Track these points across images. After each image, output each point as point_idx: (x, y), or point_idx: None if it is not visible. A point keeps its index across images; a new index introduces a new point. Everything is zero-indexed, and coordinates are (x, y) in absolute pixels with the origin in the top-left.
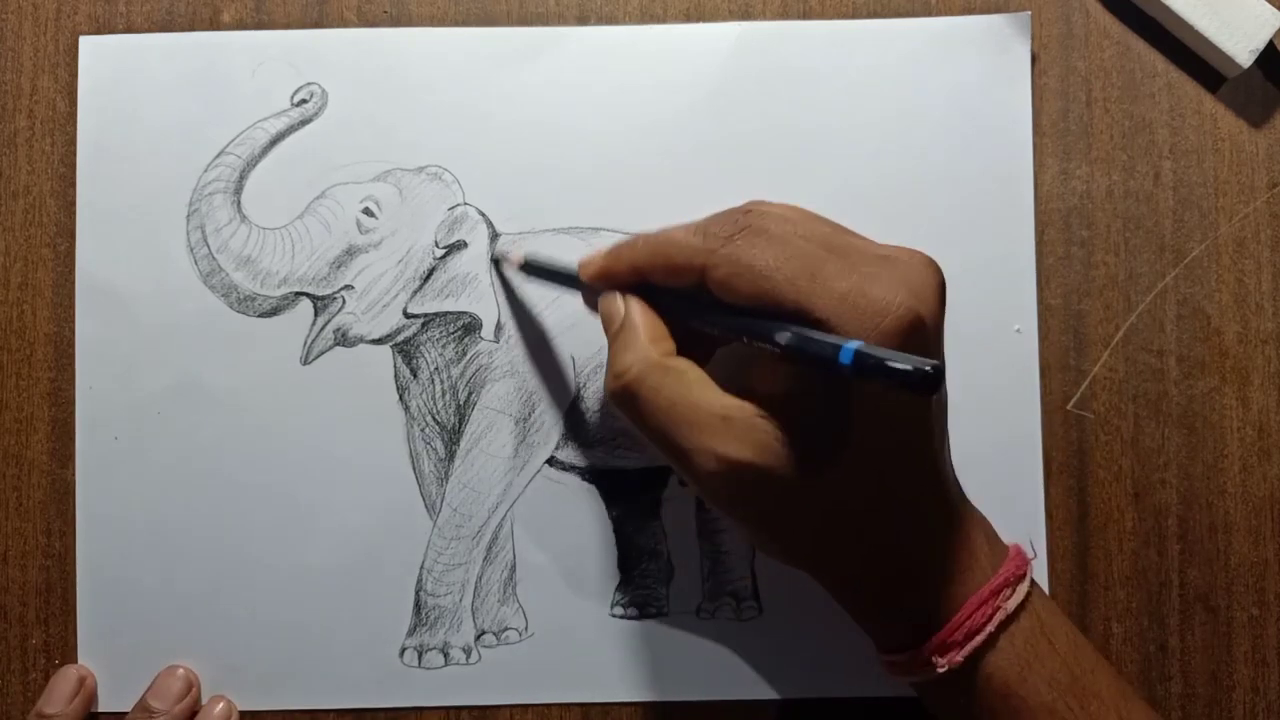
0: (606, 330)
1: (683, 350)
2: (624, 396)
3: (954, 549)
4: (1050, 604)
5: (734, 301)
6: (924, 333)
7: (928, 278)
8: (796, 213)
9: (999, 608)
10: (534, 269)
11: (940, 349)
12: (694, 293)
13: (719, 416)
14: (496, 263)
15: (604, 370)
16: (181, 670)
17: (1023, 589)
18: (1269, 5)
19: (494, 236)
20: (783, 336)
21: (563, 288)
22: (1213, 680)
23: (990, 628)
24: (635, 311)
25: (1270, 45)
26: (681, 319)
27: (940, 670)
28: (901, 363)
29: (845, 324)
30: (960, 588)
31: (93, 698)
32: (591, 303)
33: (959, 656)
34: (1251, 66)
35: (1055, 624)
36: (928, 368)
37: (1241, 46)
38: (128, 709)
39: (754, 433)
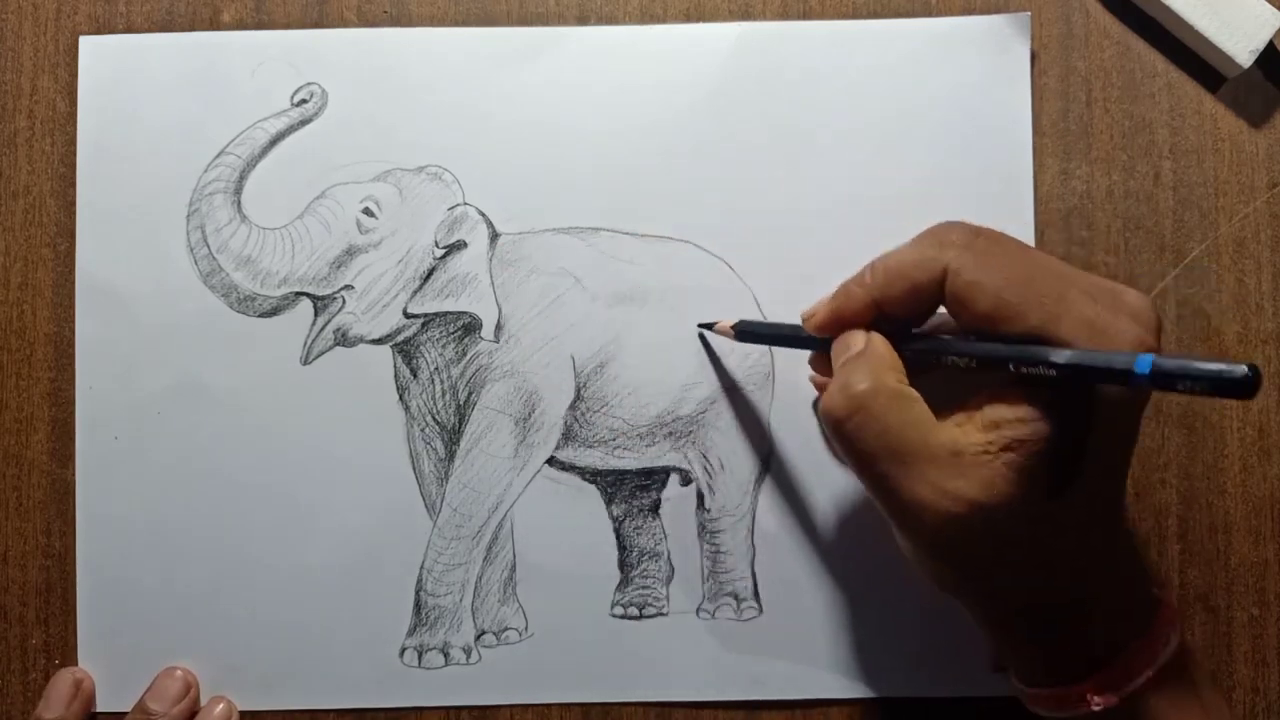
0: (839, 355)
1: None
2: (846, 413)
3: (1124, 585)
4: (1193, 654)
5: (970, 315)
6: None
7: (1154, 316)
8: (1009, 236)
9: (1160, 652)
10: (750, 333)
11: None
12: (922, 329)
13: (949, 450)
14: (703, 333)
15: (605, 370)
16: (180, 671)
17: (1176, 637)
18: (1269, 5)
19: (494, 236)
20: (1061, 355)
21: (787, 345)
22: (1213, 680)
23: (1150, 671)
24: (877, 343)
25: (1270, 45)
26: (920, 358)
27: (1095, 709)
28: (1214, 364)
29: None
30: (1125, 624)
31: (91, 700)
32: (822, 364)
33: (1117, 697)
34: (1251, 66)
35: (1200, 676)
36: (1246, 367)
37: (1241, 46)
38: (128, 709)
39: (984, 470)
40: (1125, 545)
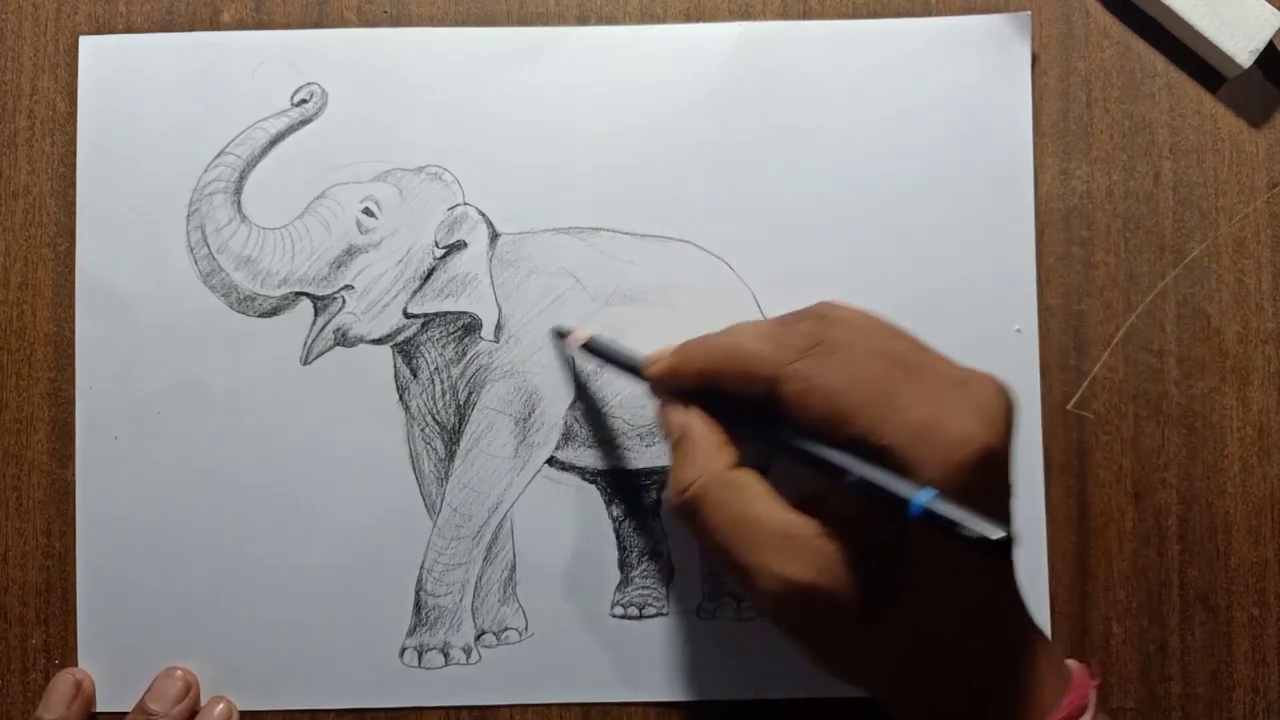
0: (667, 439)
1: (745, 453)
2: (686, 512)
3: (1021, 677)
4: None
5: (803, 418)
6: (997, 465)
7: (999, 405)
8: (870, 322)
9: None
10: (596, 350)
11: (1009, 477)
12: (761, 402)
13: (781, 535)
14: (557, 336)
15: (605, 370)
16: (180, 671)
17: (1086, 718)
18: (1269, 5)
19: (493, 236)
20: (850, 478)
21: (624, 373)
22: (1213, 680)
23: None
24: (696, 424)
25: (1270, 45)
26: (747, 431)
27: None
28: (972, 526)
29: (917, 455)
30: (1027, 716)
31: (91, 701)
32: (658, 395)
33: None
34: (1251, 66)
35: None
36: (998, 536)
37: (1241, 46)
38: (128, 709)
39: (816, 553)
40: (1013, 640)
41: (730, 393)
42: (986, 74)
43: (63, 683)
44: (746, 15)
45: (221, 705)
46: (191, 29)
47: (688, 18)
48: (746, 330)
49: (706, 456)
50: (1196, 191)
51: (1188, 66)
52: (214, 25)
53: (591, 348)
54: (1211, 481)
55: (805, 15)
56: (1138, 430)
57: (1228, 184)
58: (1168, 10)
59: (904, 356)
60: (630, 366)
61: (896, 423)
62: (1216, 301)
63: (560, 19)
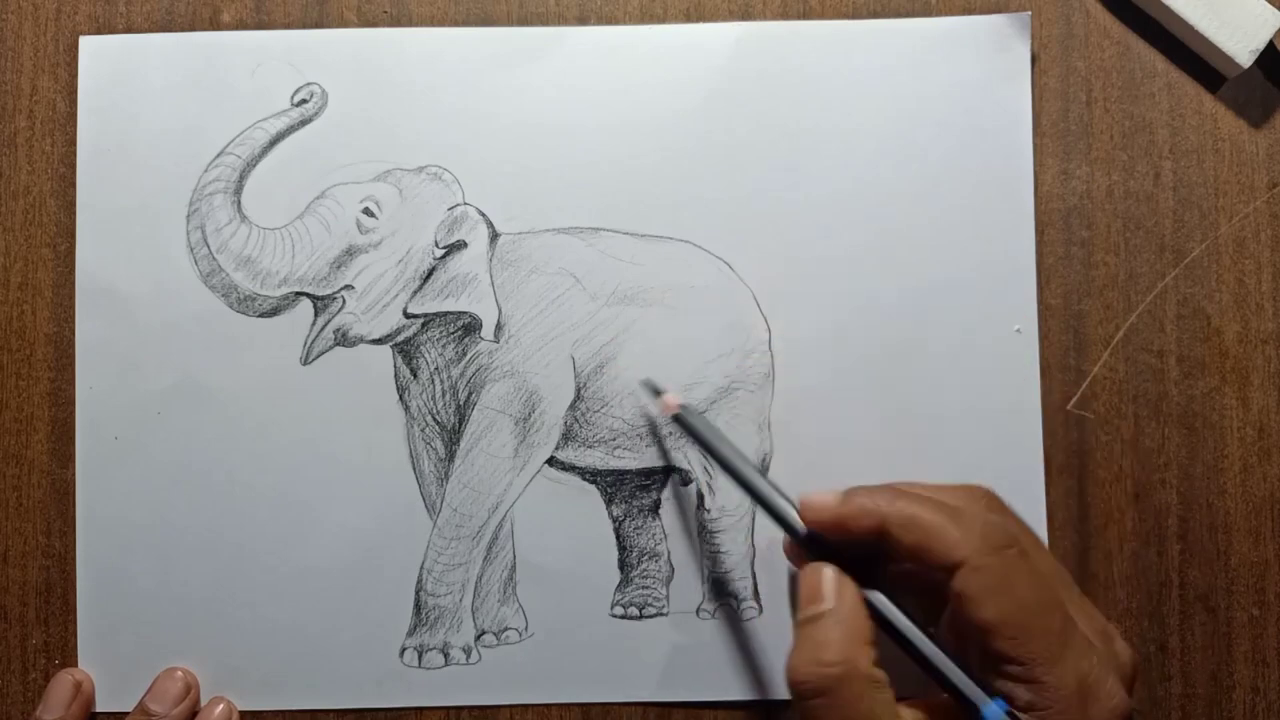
0: (804, 604)
1: None
2: (814, 690)
3: None
4: None
5: (959, 616)
6: None
7: (1134, 665)
8: (1033, 533)
9: None
10: (683, 424)
11: None
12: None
13: None
14: (653, 392)
15: (605, 370)
16: (180, 672)
17: None
18: (1269, 5)
19: (494, 236)
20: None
21: (750, 495)
22: (1213, 680)
23: None
24: (852, 603)
25: (1270, 45)
26: (877, 614)
27: None
28: None
29: (1067, 709)
30: None
31: (90, 702)
32: (799, 542)
33: None
34: (1251, 66)
35: None
36: None
37: (1241, 46)
38: (128, 709)
39: None
40: None
41: (877, 552)
42: (986, 74)
43: (62, 683)
44: (746, 14)
45: (221, 706)
46: (191, 29)
47: (688, 17)
48: (925, 501)
49: (854, 645)
50: (1196, 191)
51: (1188, 66)
52: (214, 25)
53: (681, 419)
54: (1211, 481)
55: (805, 15)
56: (1138, 430)
57: (1228, 184)
58: (1168, 10)
59: (1063, 592)
60: (766, 497)
61: (1066, 667)
62: (1216, 301)
63: (560, 19)
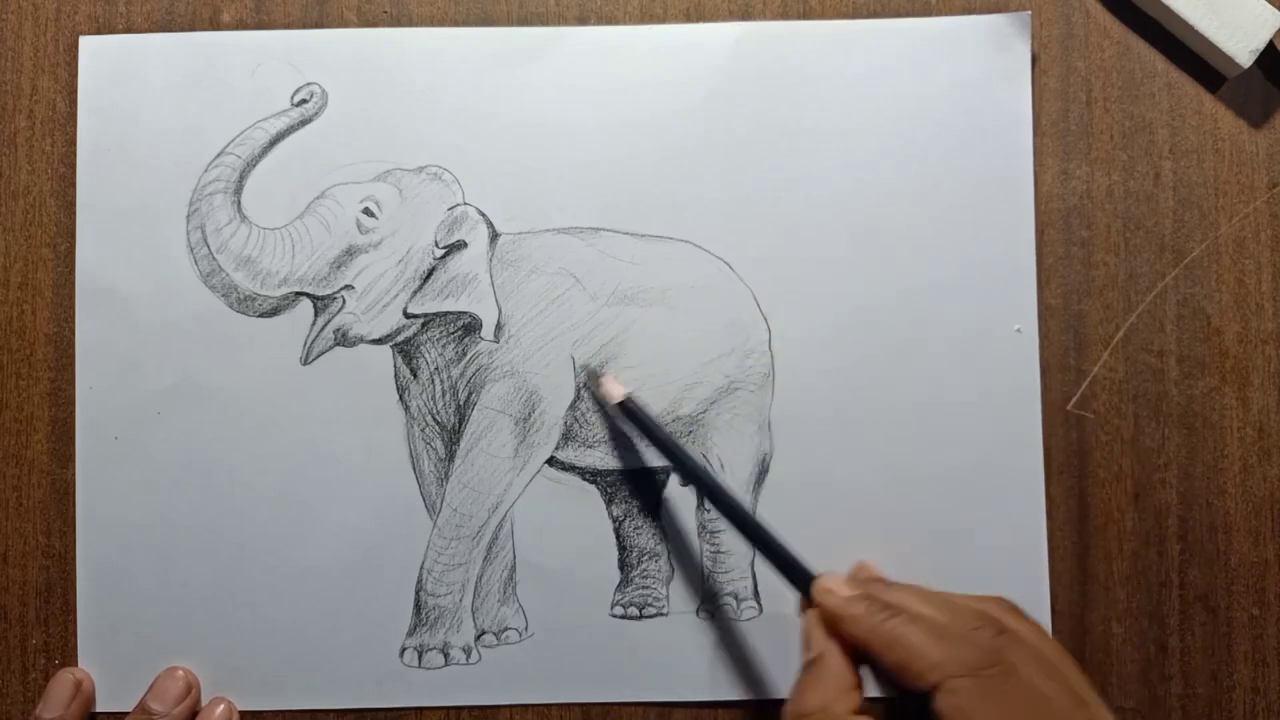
0: (803, 646)
1: None
2: None
3: None
4: None
5: None
6: None
7: None
8: (1047, 655)
9: None
10: (631, 415)
11: None
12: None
13: None
14: (590, 381)
15: (605, 370)
16: (181, 672)
17: None
18: (1269, 5)
19: (494, 236)
20: None
21: (761, 553)
22: (1213, 680)
23: None
24: (835, 657)
25: (1270, 45)
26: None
27: None
28: None
29: None
30: None
31: (91, 700)
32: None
33: None
34: (1251, 66)
35: None
36: None
37: (1241, 46)
38: (127, 709)
39: None
40: None
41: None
42: (986, 74)
43: (62, 682)
44: (746, 13)
45: (222, 706)
46: (191, 29)
47: (688, 16)
48: (913, 621)
49: (836, 692)
50: (1196, 191)
51: (1188, 66)
52: (214, 25)
53: (628, 409)
54: (1211, 481)
55: (805, 14)
56: (1138, 430)
57: (1228, 184)
58: (1168, 10)
59: (1075, 696)
60: (785, 556)
61: None
62: (1216, 301)
63: (560, 18)
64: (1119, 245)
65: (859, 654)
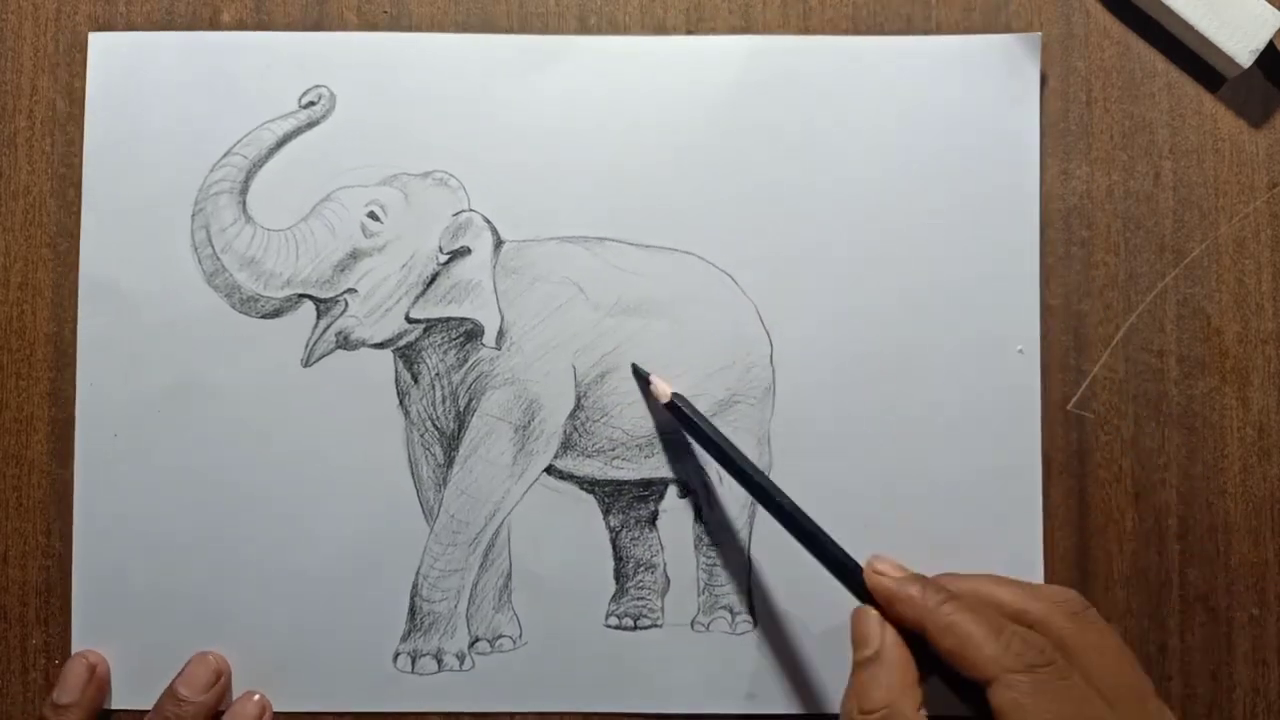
0: (854, 647)
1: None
2: None
3: None
4: None
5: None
6: None
7: None
8: (1112, 659)
9: None
10: (679, 414)
11: None
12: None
13: None
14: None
15: (606, 380)
16: (211, 657)
17: None
18: (1269, 5)
19: (498, 243)
20: None
21: (796, 535)
22: (1213, 680)
23: None
24: (895, 649)
25: (1270, 45)
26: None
27: None
28: None
29: None
30: None
31: (106, 685)
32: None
33: None
34: (1251, 66)
35: None
36: None
37: (1241, 46)
38: (125, 706)
39: None
40: None
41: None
42: (995, 94)
43: (77, 666)
44: (746, 19)
45: (257, 698)
46: (191, 28)
47: (688, 19)
48: (972, 610)
49: (899, 689)
50: (1196, 191)
51: (1188, 66)
52: (214, 25)
53: (675, 407)
54: (1211, 481)
55: (805, 18)
56: (1138, 430)
57: (1228, 184)
58: (1168, 10)
59: (1138, 700)
60: (831, 550)
61: None
62: (1216, 301)
63: (560, 18)
64: (1119, 245)
65: (913, 643)
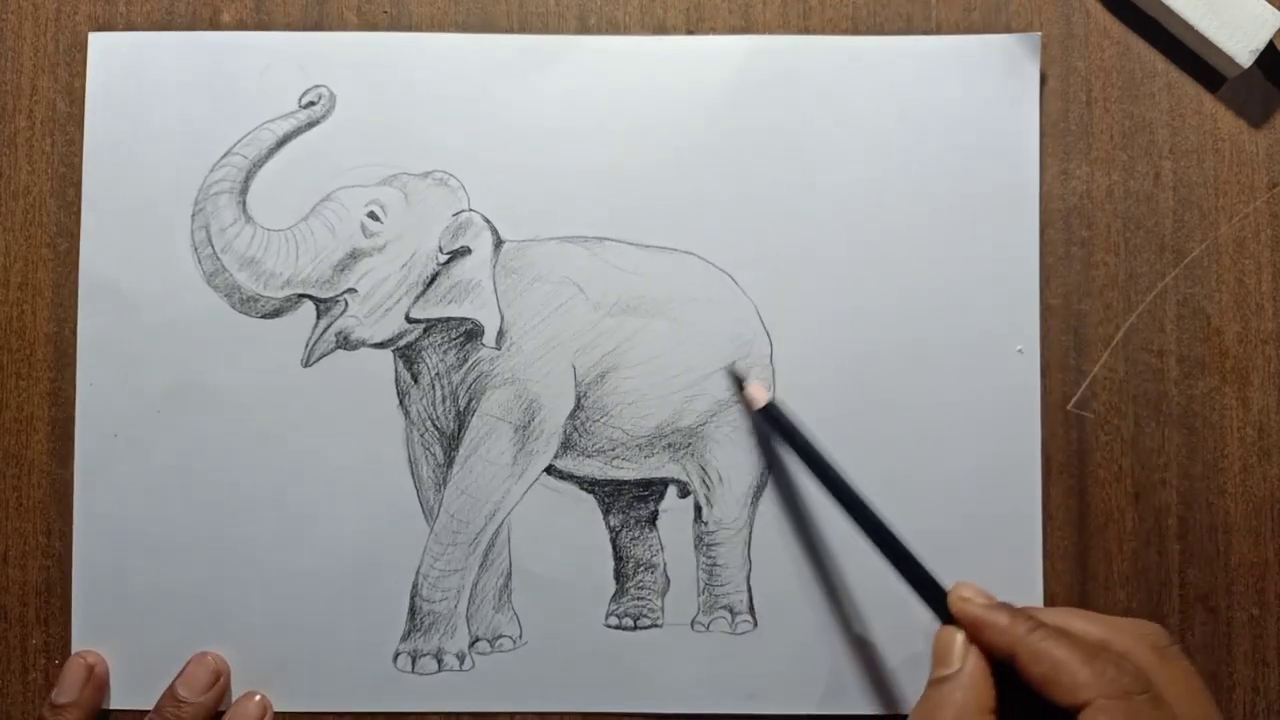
0: (934, 664)
1: None
2: None
3: None
4: None
5: None
6: None
7: None
8: (1197, 683)
9: None
10: (773, 420)
11: None
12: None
13: None
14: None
15: (606, 380)
16: (210, 658)
17: None
18: (1269, 5)
19: (498, 243)
20: None
21: (886, 559)
22: (1213, 680)
23: None
24: (977, 672)
25: (1270, 45)
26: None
27: None
28: None
29: None
30: None
31: (105, 685)
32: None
33: None
34: (1251, 66)
35: None
36: None
37: (1241, 46)
38: (126, 708)
39: None
40: None
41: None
42: (995, 94)
43: (75, 666)
44: (746, 18)
45: (257, 699)
46: (191, 28)
47: (687, 18)
48: (1062, 637)
49: (972, 711)
50: (1196, 191)
51: (1188, 66)
52: (214, 25)
53: (770, 414)
54: (1211, 481)
55: (805, 17)
56: (1138, 430)
57: (1228, 184)
58: (1168, 10)
59: None
60: (918, 571)
61: None
62: (1216, 301)
63: (560, 18)
64: (1119, 245)
65: (999, 670)
